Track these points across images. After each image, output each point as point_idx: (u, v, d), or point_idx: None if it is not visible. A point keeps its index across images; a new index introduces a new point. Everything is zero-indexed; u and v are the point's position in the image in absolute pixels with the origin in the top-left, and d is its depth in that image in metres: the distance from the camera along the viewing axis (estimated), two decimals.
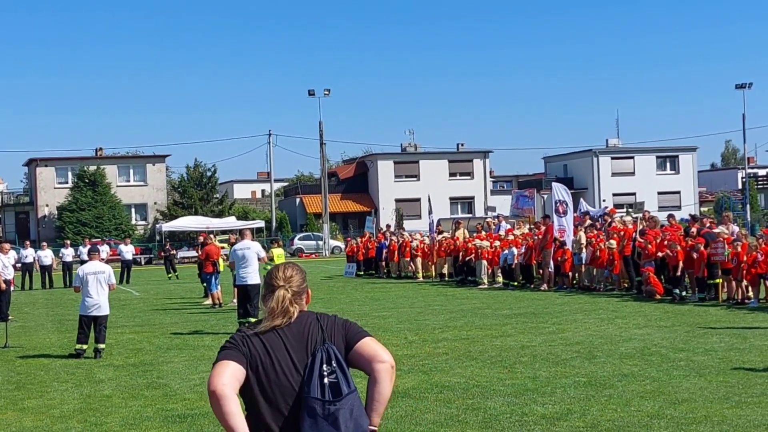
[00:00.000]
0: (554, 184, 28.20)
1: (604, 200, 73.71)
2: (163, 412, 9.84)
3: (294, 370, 3.79)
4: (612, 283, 23.96)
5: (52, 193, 67.92)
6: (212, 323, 19.27)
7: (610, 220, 25.81)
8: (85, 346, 14.37)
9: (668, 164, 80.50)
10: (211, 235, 27.16)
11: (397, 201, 72.32)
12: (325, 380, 3.70)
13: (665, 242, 21.34)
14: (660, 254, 21.44)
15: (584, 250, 24.59)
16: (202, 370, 12.52)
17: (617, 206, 57.12)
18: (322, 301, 24.09)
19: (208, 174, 70.36)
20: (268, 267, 22.10)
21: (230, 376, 3.73)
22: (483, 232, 29.74)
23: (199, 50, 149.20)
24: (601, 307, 19.60)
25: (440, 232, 33.33)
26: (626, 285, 23.45)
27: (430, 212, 34.47)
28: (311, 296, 4.08)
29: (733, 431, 8.16)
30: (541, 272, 26.47)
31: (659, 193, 77.05)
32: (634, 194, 76.06)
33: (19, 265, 31.98)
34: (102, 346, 14.43)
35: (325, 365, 3.73)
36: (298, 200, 76.33)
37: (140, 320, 20.47)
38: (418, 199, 69.50)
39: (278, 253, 23.15)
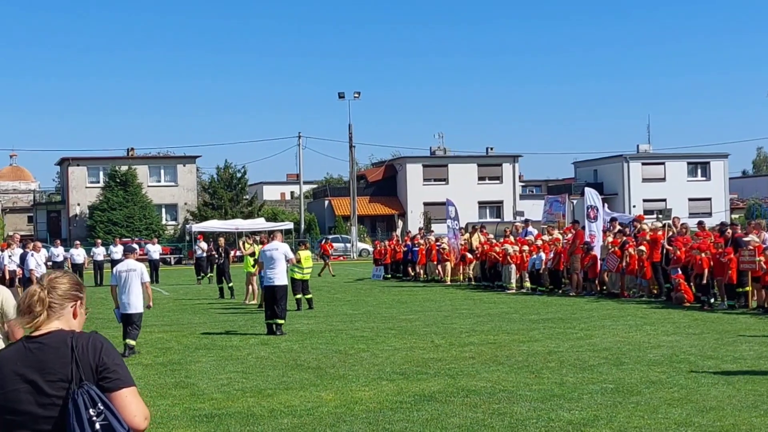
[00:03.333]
0: (587, 189, 28.09)
1: (634, 206, 73.24)
2: (191, 411, 9.90)
3: (29, 395, 3.46)
4: (641, 289, 23.82)
5: (84, 193, 68.60)
6: (240, 323, 19.37)
7: (639, 225, 25.66)
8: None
9: (699, 171, 79.85)
10: (244, 237, 27.33)
11: (426, 204, 72.22)
12: (97, 426, 3.34)
13: (693, 249, 21.19)
14: (689, 261, 21.29)
15: (609, 255, 24.43)
16: (230, 369, 12.61)
17: (647, 212, 56.77)
18: (350, 303, 24.16)
19: (238, 175, 70.75)
20: (296, 269, 22.28)
21: None
22: (511, 237, 29.67)
23: (230, 52, 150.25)
24: (629, 314, 19.49)
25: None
26: (655, 291, 23.31)
27: (447, 218, 34.20)
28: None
29: None
30: (569, 277, 26.36)
31: (690, 200, 76.34)
32: (664, 200, 75.33)
33: (50, 263, 32.28)
34: (132, 342, 14.55)
35: (91, 410, 3.36)
36: (326, 202, 76.49)
37: (169, 320, 20.61)
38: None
39: (305, 255, 23.21)
